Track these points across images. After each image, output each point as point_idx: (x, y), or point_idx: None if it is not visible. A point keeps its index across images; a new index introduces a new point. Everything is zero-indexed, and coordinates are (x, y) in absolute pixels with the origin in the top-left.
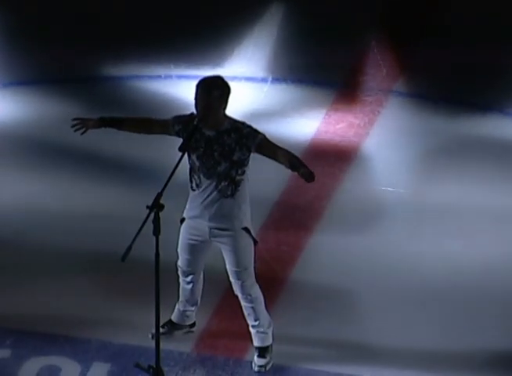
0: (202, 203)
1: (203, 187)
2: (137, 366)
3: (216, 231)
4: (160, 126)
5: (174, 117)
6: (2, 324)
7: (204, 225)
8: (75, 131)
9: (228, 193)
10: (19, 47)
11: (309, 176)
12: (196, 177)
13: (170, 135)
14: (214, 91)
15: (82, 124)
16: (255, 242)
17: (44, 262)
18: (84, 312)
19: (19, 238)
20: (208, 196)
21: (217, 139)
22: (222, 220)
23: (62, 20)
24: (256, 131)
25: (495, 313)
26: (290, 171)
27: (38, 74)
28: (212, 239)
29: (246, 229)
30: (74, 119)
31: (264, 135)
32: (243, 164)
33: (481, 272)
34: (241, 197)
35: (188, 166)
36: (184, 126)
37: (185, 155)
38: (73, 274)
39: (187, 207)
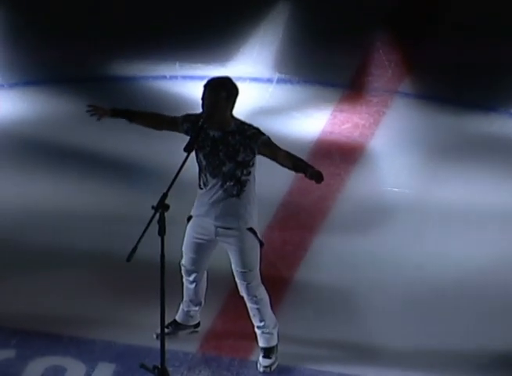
0: (208, 201)
1: (210, 186)
2: (142, 366)
3: (222, 230)
4: (170, 123)
5: (184, 116)
6: (7, 325)
7: (210, 223)
8: (91, 115)
9: (234, 192)
10: (24, 47)
11: (318, 177)
12: (203, 176)
13: (179, 132)
14: (221, 92)
15: (95, 111)
16: (261, 244)
17: (48, 262)
18: (89, 313)
19: (24, 238)
20: (214, 195)
21: (222, 140)
22: (228, 219)
23: (67, 20)
24: (260, 133)
25: (499, 314)
26: (294, 172)
27: (43, 74)
28: (218, 238)
29: (252, 230)
30: (89, 105)
31: (268, 137)
32: (248, 164)
33: (486, 272)
34: (247, 198)
35: (196, 165)
36: (192, 125)
37: (194, 154)
38: (77, 274)
39: (195, 205)
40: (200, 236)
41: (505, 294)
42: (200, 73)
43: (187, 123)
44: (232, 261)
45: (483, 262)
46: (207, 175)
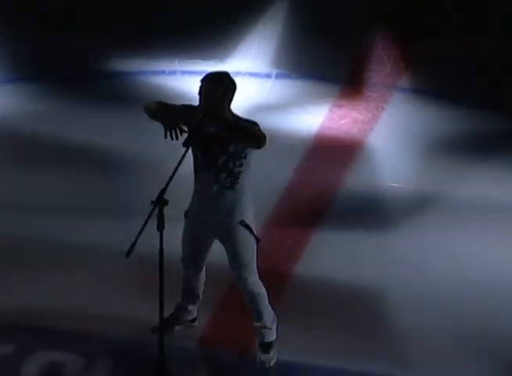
0: (204, 196)
1: (205, 180)
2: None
3: (218, 225)
4: (170, 113)
5: (181, 108)
6: (5, 320)
7: (207, 219)
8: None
9: (228, 184)
10: (20, 42)
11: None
12: (199, 170)
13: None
14: (219, 87)
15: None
16: (257, 240)
17: (47, 258)
18: (88, 308)
19: (22, 234)
20: (210, 188)
21: (218, 134)
22: (223, 213)
23: (65, 15)
24: (253, 124)
25: (501, 311)
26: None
27: (41, 70)
28: (214, 234)
29: (247, 225)
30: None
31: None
32: (239, 156)
33: (486, 269)
34: (241, 190)
35: (192, 160)
36: (189, 118)
37: (190, 149)
38: (76, 270)
39: (191, 201)
40: (197, 232)
41: (507, 291)
42: (199, 68)
43: (184, 116)
44: (229, 257)
45: (483, 258)
46: (203, 170)
